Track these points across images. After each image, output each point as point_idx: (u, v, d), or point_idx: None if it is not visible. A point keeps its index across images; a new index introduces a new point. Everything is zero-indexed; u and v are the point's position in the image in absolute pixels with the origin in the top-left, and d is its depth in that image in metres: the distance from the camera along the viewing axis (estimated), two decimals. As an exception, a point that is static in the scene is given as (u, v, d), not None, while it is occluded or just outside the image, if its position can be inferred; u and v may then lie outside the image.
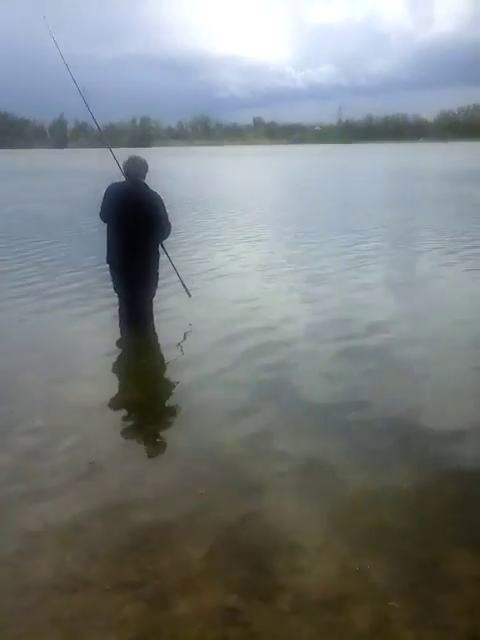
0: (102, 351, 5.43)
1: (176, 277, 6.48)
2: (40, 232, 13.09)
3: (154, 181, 5.77)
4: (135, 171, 5.52)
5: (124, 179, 5.56)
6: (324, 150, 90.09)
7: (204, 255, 9.95)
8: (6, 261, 9.76)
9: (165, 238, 5.69)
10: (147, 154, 5.90)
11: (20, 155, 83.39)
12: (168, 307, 6.53)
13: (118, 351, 5.47)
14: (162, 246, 5.75)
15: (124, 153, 5.82)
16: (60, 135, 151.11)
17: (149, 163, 5.65)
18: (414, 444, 3.70)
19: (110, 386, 4.74)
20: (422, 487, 3.23)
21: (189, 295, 6.52)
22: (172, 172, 35.72)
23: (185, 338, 5.77)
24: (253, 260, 9.55)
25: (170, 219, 5.58)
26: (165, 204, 5.52)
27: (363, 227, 12.98)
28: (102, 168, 5.43)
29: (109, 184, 5.64)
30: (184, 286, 6.47)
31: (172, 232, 5.69)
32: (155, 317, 5.89)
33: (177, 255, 9.02)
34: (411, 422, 3.98)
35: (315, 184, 27.27)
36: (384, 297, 7.28)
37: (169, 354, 5.42)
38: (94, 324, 6.24)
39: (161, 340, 5.71)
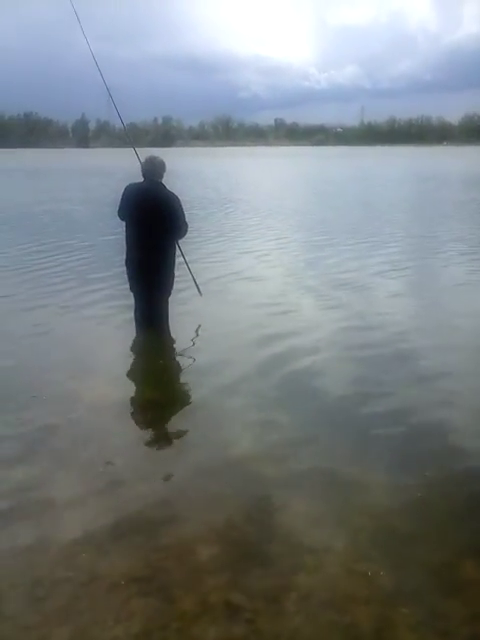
0: (119, 351, 5.51)
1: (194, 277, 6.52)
2: (66, 232, 13.24)
3: (175, 182, 5.83)
4: (152, 171, 5.57)
5: (142, 179, 5.63)
6: (346, 152, 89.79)
7: (226, 257, 9.97)
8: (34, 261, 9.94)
9: (181, 238, 5.74)
10: (168, 154, 5.99)
11: (45, 154, 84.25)
12: (187, 309, 6.59)
13: (134, 351, 5.53)
14: (177, 244, 5.79)
15: (146, 153, 5.88)
16: (82, 134, 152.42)
17: (170, 163, 5.71)
18: (427, 452, 3.70)
19: (125, 386, 4.80)
20: (431, 492, 3.24)
21: (200, 293, 6.54)
22: (194, 173, 35.87)
23: (201, 339, 5.82)
24: (276, 263, 9.56)
25: (189, 219, 5.62)
26: (182, 204, 5.57)
27: (386, 231, 12.93)
28: (125, 167, 5.48)
29: (127, 184, 5.72)
30: (196, 284, 6.49)
31: (195, 233, 5.76)
32: (173, 317, 5.92)
33: (200, 257, 9.21)
34: (426, 431, 3.98)
35: (338, 187, 27.01)
36: (409, 304, 7.25)
37: (184, 355, 5.48)
38: (112, 324, 6.31)
39: (177, 341, 5.76)
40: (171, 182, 5.77)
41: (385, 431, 3.92)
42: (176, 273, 5.81)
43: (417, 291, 7.88)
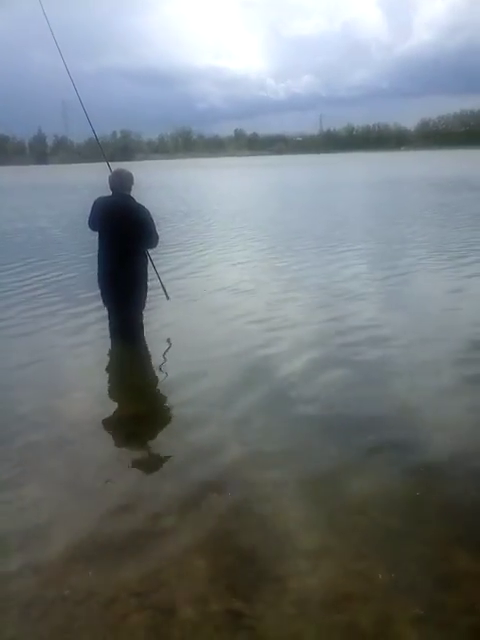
0: (96, 365, 5.45)
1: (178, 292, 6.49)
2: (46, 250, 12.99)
3: (142, 195, 5.82)
4: (120, 184, 5.55)
5: (110, 193, 5.60)
6: (307, 160, 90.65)
7: (198, 267, 10.04)
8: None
9: (153, 248, 5.75)
10: (130, 168, 5.93)
11: (4, 172, 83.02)
12: (161, 318, 6.60)
13: (111, 365, 5.48)
14: (146, 251, 5.78)
15: (105, 167, 5.87)
16: (40, 150, 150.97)
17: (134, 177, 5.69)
18: (410, 449, 3.76)
19: (105, 400, 4.75)
20: (419, 489, 3.28)
21: (168, 297, 6.47)
22: (159, 186, 35.74)
23: (176, 350, 5.80)
24: (251, 272, 9.54)
25: (159, 230, 5.61)
26: (152, 216, 5.56)
27: (354, 237, 12.99)
28: (90, 181, 5.41)
29: (96, 198, 5.68)
30: (163, 288, 6.40)
31: (170, 246, 5.72)
32: (147, 326, 5.91)
33: (172, 268, 9.27)
34: (407, 426, 4.05)
35: (306, 196, 26.80)
36: (386, 308, 7.35)
37: (161, 367, 5.44)
38: (87, 338, 6.25)
39: (153, 352, 5.73)
40: (138, 195, 5.74)
41: (370, 434, 3.95)
42: (149, 284, 5.78)
43: (385, 293, 8.00)
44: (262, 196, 27.21)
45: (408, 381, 4.81)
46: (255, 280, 8.74)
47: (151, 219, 5.51)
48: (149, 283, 5.78)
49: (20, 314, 7.27)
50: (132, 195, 5.60)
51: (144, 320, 5.85)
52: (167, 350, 5.80)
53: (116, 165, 5.85)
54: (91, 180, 6.64)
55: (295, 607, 2.43)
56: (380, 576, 2.59)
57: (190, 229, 15.34)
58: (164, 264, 8.17)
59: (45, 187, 41.22)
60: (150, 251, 5.86)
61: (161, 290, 6.41)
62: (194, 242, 12.94)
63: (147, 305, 5.86)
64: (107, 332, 5.87)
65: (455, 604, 2.45)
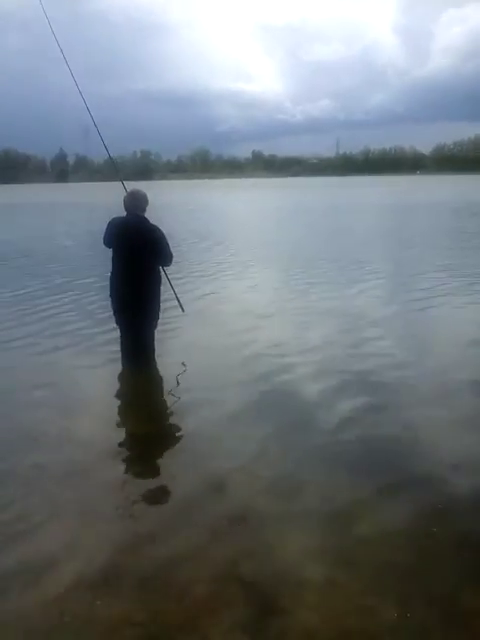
0: (107, 386, 5.44)
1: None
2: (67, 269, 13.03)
3: (160, 215, 5.82)
4: (135, 205, 5.58)
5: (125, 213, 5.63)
6: (323, 183, 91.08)
7: (216, 287, 10.05)
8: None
9: (167, 266, 5.76)
10: (147, 187, 5.97)
11: (26, 190, 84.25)
12: (175, 336, 6.59)
13: (122, 385, 5.47)
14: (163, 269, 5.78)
15: (127, 186, 5.90)
16: (61, 169, 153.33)
17: (151, 197, 5.72)
18: (425, 483, 3.66)
19: (115, 421, 4.73)
20: (428, 524, 3.19)
21: (183, 310, 6.41)
22: (178, 206, 35.95)
23: (189, 372, 5.76)
24: (267, 293, 9.55)
25: (175, 250, 5.62)
26: (165, 236, 5.57)
27: (373, 261, 12.87)
28: (109, 201, 5.44)
29: (110, 218, 5.72)
30: (178, 301, 6.33)
31: (186, 265, 5.69)
32: (160, 342, 5.90)
33: (189, 290, 9.22)
34: (423, 460, 3.96)
35: (326, 218, 26.64)
36: (395, 330, 7.28)
37: (172, 387, 5.41)
38: (99, 358, 6.24)
39: (164, 373, 5.70)
40: (155, 215, 5.76)
41: (385, 467, 3.87)
42: (161, 305, 5.77)
43: (399, 318, 7.91)
44: (280, 218, 27.19)
45: (426, 412, 4.68)
46: (273, 303, 8.69)
47: (164, 238, 5.53)
48: (163, 297, 5.77)
49: (39, 333, 7.27)
50: (147, 216, 5.63)
51: (159, 340, 5.84)
52: (181, 373, 5.70)
53: (134, 185, 5.90)
54: (111, 199, 6.65)
55: (300, 643, 2.35)
56: (390, 614, 2.51)
57: (209, 250, 15.34)
58: (182, 285, 8.11)
59: (66, 205, 41.66)
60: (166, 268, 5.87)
61: (176, 305, 6.36)
62: (213, 263, 12.89)
63: (163, 326, 5.85)
64: (119, 354, 5.85)
65: (466, 646, 2.36)
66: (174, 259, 5.73)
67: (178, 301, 6.36)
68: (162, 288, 5.77)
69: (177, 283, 6.50)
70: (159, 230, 5.54)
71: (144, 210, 5.63)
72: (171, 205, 34.28)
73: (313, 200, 43.26)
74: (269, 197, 51.69)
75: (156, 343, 5.82)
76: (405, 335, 7.03)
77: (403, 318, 7.82)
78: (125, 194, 5.65)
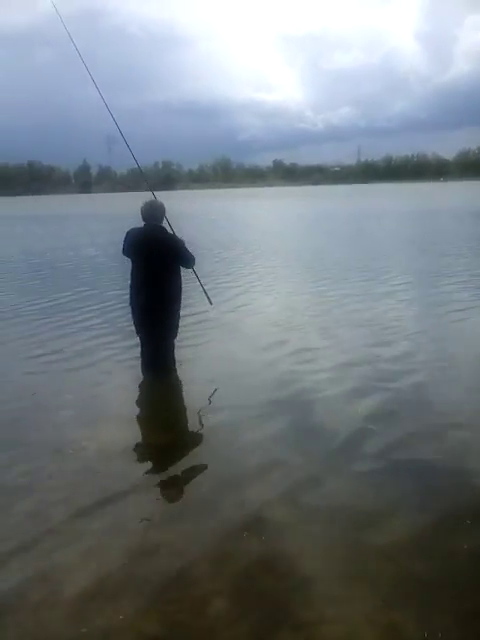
0: (127, 395, 5.46)
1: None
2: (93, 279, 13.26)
3: (185, 225, 5.81)
4: (153, 215, 5.61)
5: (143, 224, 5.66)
6: (345, 191, 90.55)
7: (241, 295, 10.07)
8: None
9: (190, 268, 5.74)
10: (170, 197, 6.01)
11: (50, 201, 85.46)
12: (210, 354, 6.62)
13: (142, 395, 5.49)
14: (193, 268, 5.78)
15: (147, 197, 5.93)
16: (84, 180, 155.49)
17: (175, 207, 5.72)
18: (444, 491, 3.61)
19: (134, 430, 4.75)
20: (452, 534, 3.14)
21: (210, 303, 6.34)
22: (200, 215, 36.08)
23: (209, 380, 5.74)
24: (293, 301, 9.50)
25: (205, 259, 5.60)
26: (183, 241, 5.59)
27: (401, 269, 12.76)
28: (133, 212, 5.52)
29: (128, 229, 5.76)
30: (206, 294, 6.23)
31: (215, 275, 5.60)
32: (181, 359, 5.90)
33: (232, 304, 9.23)
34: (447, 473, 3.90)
35: (348, 227, 26.16)
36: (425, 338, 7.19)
37: (192, 397, 5.41)
38: (120, 367, 6.28)
39: (184, 381, 5.71)
40: (178, 225, 5.74)
41: (396, 468, 3.84)
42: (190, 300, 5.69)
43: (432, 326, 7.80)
44: (305, 227, 27.03)
45: (460, 431, 4.49)
46: (301, 315, 8.55)
47: (182, 244, 5.55)
48: (191, 293, 5.71)
49: (66, 343, 7.31)
50: (171, 224, 5.67)
51: (185, 351, 5.85)
52: (206, 386, 5.60)
53: (157, 195, 5.94)
54: (136, 209, 6.74)
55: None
56: (409, 630, 2.46)
57: (237, 259, 15.29)
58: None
59: (91, 216, 42.01)
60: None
61: (205, 300, 6.29)
62: (242, 273, 12.73)
63: (191, 338, 5.82)
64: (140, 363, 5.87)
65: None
66: (200, 266, 5.69)
67: (205, 294, 6.24)
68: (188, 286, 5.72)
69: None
70: (176, 237, 5.58)
71: (162, 220, 5.66)
72: (193, 214, 34.40)
73: (337, 208, 42.88)
74: (291, 205, 51.52)
75: (182, 353, 5.81)
76: (442, 348, 6.71)
77: (439, 330, 7.56)
78: (142, 204, 5.69)
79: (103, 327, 8.10)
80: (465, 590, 2.71)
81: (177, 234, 5.72)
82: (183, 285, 5.74)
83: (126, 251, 5.71)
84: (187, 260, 5.60)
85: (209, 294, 6.27)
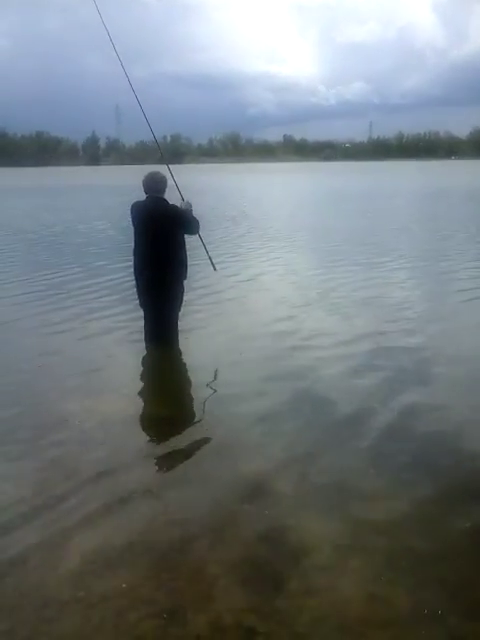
0: (131, 367, 5.49)
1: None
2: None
3: (199, 199, 5.76)
4: (154, 187, 5.60)
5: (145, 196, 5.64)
6: (356, 167, 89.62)
7: (248, 270, 9.99)
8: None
9: (195, 233, 5.70)
10: (178, 171, 5.95)
11: (59, 173, 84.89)
12: (201, 317, 6.61)
13: (145, 367, 5.52)
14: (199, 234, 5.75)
15: (155, 169, 5.90)
16: (93, 153, 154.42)
17: (185, 179, 5.68)
18: (441, 466, 3.64)
19: (137, 401, 4.78)
20: (448, 510, 3.17)
21: (215, 269, 6.30)
22: (213, 190, 35.71)
23: (211, 352, 5.78)
24: (299, 277, 9.52)
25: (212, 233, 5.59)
26: (191, 206, 5.60)
27: (414, 247, 12.75)
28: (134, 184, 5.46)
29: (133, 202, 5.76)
30: (211, 260, 6.18)
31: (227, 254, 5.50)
32: (185, 330, 5.91)
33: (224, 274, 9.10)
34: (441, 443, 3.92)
35: (361, 204, 25.63)
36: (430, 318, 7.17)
37: (195, 369, 5.45)
38: (123, 338, 6.31)
39: (187, 354, 5.74)
40: (196, 200, 5.67)
41: (397, 446, 3.87)
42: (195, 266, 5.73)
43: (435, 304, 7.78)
44: (317, 204, 26.74)
45: (457, 412, 4.47)
46: (308, 288, 8.63)
47: (185, 212, 5.54)
48: (196, 260, 5.74)
49: (73, 316, 7.34)
50: (166, 197, 5.64)
51: (192, 325, 5.82)
52: (209, 358, 5.65)
53: (155, 168, 5.91)
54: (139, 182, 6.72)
55: (309, 627, 2.35)
56: (401, 601, 2.50)
57: (247, 233, 15.33)
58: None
59: (100, 188, 41.62)
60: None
61: (209, 265, 6.26)
62: (253, 247, 12.78)
63: (197, 311, 5.86)
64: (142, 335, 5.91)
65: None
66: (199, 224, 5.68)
67: (210, 260, 6.19)
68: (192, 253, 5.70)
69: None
70: (177, 206, 5.57)
71: (163, 191, 5.64)
72: (205, 190, 34.12)
73: (348, 186, 42.30)
74: (305, 181, 50.98)
75: (186, 325, 5.85)
76: (449, 328, 6.68)
77: (446, 308, 7.58)
78: (144, 177, 5.66)
79: (110, 301, 8.10)
80: (455, 563, 2.75)
81: (185, 199, 5.69)
82: (188, 254, 5.73)
83: (132, 222, 5.70)
84: (191, 226, 5.57)
85: (214, 261, 6.25)
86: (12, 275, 10.32)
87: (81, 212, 23.64)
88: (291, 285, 8.98)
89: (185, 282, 5.82)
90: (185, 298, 5.92)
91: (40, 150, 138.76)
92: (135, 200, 5.78)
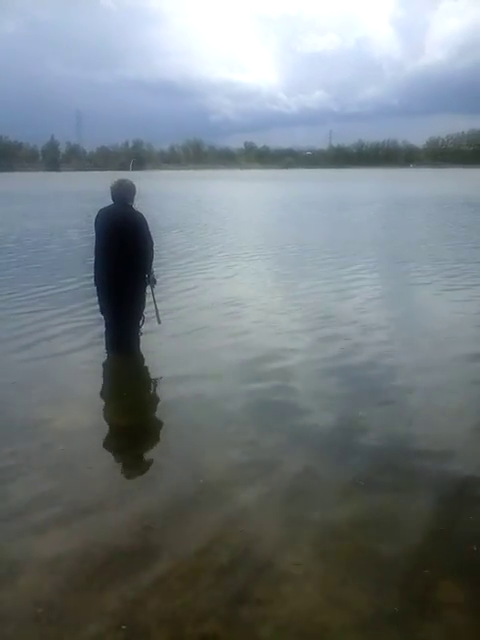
0: (90, 375, 5.41)
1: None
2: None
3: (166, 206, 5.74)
4: (122, 194, 5.58)
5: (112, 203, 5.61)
6: (317, 175, 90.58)
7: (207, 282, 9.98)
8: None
9: (150, 257, 5.61)
10: (140, 178, 5.92)
11: (19, 178, 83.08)
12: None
13: (105, 375, 5.45)
14: (148, 277, 5.67)
15: (116, 176, 5.88)
16: (53, 158, 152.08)
17: (147, 187, 5.66)
18: (401, 469, 3.69)
19: (97, 411, 4.70)
20: (408, 513, 3.22)
21: (159, 322, 6.04)
22: (174, 197, 35.57)
23: (173, 361, 5.74)
24: (263, 285, 9.55)
25: (169, 240, 5.58)
26: (148, 224, 5.56)
27: (370, 254, 12.97)
28: (105, 190, 5.43)
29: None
30: (157, 313, 6.02)
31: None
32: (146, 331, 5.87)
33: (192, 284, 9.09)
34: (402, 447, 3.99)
35: (323, 213, 25.59)
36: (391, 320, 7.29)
37: (156, 377, 5.40)
38: (82, 346, 6.22)
39: (148, 363, 5.69)
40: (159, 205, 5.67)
41: (360, 449, 3.91)
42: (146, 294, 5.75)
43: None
44: (278, 213, 26.62)
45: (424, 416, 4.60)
46: (265, 291, 8.74)
47: (147, 226, 5.51)
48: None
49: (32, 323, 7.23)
50: (134, 206, 5.62)
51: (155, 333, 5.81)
52: (163, 360, 5.70)
53: (128, 175, 5.87)
54: (107, 188, 6.52)
55: (272, 635, 2.35)
56: (362, 604, 2.52)
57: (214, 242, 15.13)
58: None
59: (64, 194, 40.43)
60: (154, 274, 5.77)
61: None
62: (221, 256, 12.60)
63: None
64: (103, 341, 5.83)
65: (438, 636, 2.37)
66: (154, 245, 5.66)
67: (156, 312, 6.01)
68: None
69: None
70: (142, 217, 5.53)
71: (132, 200, 5.62)
72: (171, 196, 33.93)
73: (309, 193, 42.57)
74: (263, 190, 51.23)
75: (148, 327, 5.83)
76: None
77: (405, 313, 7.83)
78: (112, 183, 5.62)
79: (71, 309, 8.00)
80: (418, 566, 2.79)
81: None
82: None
83: (95, 229, 5.63)
84: (145, 245, 5.48)
85: (160, 313, 6.08)
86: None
87: (49, 220, 22.87)
88: (248, 289, 9.01)
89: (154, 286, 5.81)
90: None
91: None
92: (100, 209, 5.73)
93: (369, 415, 4.46)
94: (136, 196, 5.70)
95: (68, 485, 3.50)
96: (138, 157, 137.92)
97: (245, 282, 9.76)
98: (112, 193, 5.59)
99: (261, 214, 24.87)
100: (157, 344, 6.14)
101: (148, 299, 5.85)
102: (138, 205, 5.74)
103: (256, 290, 9.05)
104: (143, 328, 5.81)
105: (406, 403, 4.72)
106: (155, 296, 5.99)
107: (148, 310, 5.88)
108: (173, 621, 2.42)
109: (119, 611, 2.48)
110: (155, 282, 5.81)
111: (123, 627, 2.39)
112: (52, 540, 2.97)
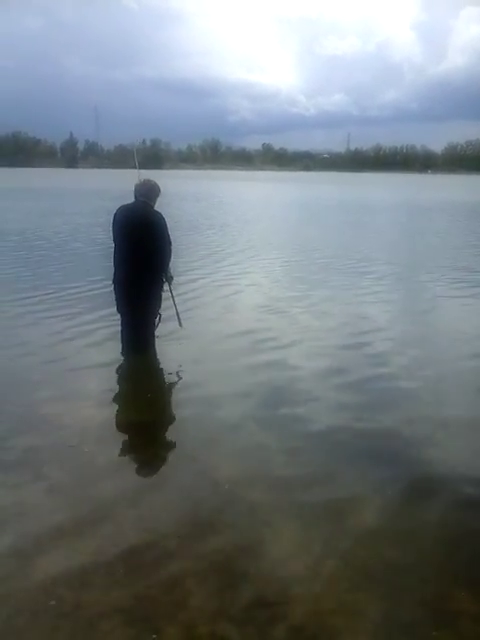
0: (105, 373, 5.43)
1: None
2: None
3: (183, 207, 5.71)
4: (143, 193, 5.59)
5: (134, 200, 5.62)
6: (333, 178, 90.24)
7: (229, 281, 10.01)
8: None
9: (167, 257, 5.62)
10: (160, 177, 5.92)
11: (37, 174, 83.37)
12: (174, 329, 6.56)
13: (120, 373, 5.45)
14: (164, 276, 5.70)
15: (136, 175, 5.89)
16: (71, 155, 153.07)
17: (170, 187, 5.66)
18: (416, 479, 3.67)
19: (112, 408, 4.71)
20: (424, 520, 3.20)
21: (180, 325, 6.23)
22: (204, 197, 35.42)
23: (188, 361, 5.73)
24: (279, 287, 9.54)
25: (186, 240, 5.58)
26: (167, 224, 5.55)
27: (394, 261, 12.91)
28: (126, 188, 5.42)
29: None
30: (177, 315, 6.18)
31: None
32: (162, 334, 5.87)
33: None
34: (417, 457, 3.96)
35: (347, 217, 25.20)
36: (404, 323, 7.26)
37: (171, 376, 5.42)
38: (98, 344, 6.24)
39: (163, 362, 5.70)
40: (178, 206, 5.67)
41: (375, 454, 3.90)
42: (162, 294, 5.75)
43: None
44: (298, 216, 26.64)
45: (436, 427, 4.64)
46: (282, 299, 8.68)
47: (164, 222, 5.51)
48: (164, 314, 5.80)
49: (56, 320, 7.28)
50: (154, 206, 5.61)
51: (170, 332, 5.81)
52: (179, 360, 5.70)
53: (145, 173, 5.89)
54: (128, 186, 6.40)
55: (285, 637, 2.35)
56: (375, 610, 2.51)
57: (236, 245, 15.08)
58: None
59: (88, 192, 40.03)
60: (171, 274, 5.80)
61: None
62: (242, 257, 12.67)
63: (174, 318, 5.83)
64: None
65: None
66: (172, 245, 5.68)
67: (177, 315, 6.16)
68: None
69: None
70: (161, 216, 5.53)
71: (154, 200, 5.63)
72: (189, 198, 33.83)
73: (330, 197, 42.03)
74: (281, 192, 51.03)
75: (164, 328, 5.82)
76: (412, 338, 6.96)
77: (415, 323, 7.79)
78: (137, 182, 5.65)
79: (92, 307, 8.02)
80: (428, 574, 2.77)
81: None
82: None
83: (112, 227, 5.61)
84: (163, 244, 5.50)
85: (181, 316, 6.17)
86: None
87: (73, 217, 22.66)
88: (264, 294, 9.01)
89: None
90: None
91: (17, 151, 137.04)
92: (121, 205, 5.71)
93: (370, 418, 4.44)
94: (158, 197, 5.69)
95: (81, 481, 3.51)
96: (156, 155, 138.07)
97: (282, 286, 9.68)
98: (135, 191, 5.61)
99: (292, 218, 24.78)
100: (176, 345, 6.16)
101: (168, 302, 5.86)
102: (158, 205, 5.73)
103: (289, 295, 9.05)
104: (160, 330, 5.80)
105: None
106: (175, 298, 6.01)
107: (169, 313, 5.88)
108: (186, 619, 2.42)
109: (132, 609, 2.48)
110: (172, 279, 5.83)
111: (135, 624, 2.39)
112: (65, 536, 2.98)
